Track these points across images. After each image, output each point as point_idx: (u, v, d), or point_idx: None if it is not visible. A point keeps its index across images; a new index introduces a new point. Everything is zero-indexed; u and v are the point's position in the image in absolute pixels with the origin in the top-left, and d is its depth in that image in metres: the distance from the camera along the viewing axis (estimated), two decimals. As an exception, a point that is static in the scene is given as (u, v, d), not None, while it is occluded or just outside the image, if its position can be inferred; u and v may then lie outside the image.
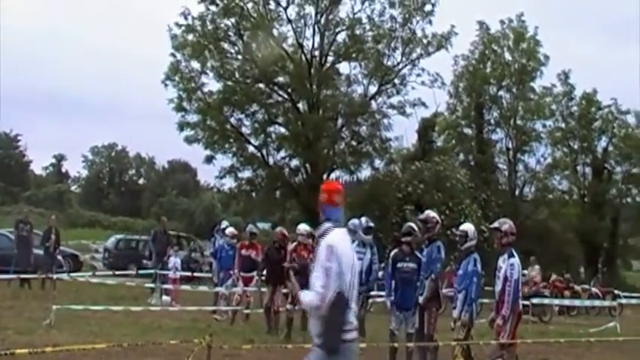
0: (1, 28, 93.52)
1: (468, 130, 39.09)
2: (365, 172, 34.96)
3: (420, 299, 9.70)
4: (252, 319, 14.85)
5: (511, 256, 8.31)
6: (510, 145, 39.01)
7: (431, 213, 10.34)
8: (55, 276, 18.42)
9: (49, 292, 17.21)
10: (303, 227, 13.40)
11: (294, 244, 13.39)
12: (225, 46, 32.50)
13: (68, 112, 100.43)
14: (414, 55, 33.00)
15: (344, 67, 33.99)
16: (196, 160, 48.62)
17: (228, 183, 35.07)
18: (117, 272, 22.11)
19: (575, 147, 40.32)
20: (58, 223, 22.70)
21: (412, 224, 10.60)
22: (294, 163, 33.98)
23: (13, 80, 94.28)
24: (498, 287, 8.33)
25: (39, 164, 74.49)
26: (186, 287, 19.14)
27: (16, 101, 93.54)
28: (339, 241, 4.75)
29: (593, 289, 27.51)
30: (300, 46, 32.64)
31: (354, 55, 32.94)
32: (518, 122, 38.94)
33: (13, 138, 68.03)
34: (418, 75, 33.13)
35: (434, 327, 9.66)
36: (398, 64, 33.06)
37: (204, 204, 63.73)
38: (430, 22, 32.69)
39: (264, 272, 14.43)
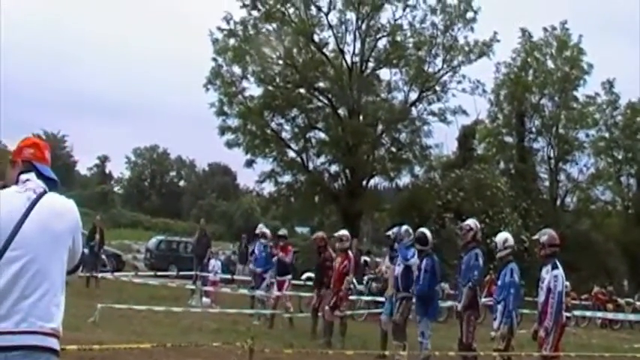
0: (47, 33, 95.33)
1: (508, 139, 38.81)
2: (404, 179, 34.94)
3: (460, 307, 9.69)
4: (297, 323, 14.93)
5: (555, 267, 8.24)
6: (552, 154, 38.63)
7: (469, 221, 10.31)
8: (99, 275, 18.84)
9: (93, 291, 17.62)
10: (344, 233, 13.48)
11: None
12: (267, 51, 32.77)
13: (113, 115, 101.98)
14: (455, 63, 32.91)
15: (384, 74, 34.11)
16: (236, 164, 49.08)
17: (268, 187, 35.36)
18: (158, 273, 22.47)
19: (620, 157, 39.73)
20: (101, 223, 23.16)
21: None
22: (334, 168, 34.12)
23: (61, 83, 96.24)
24: (541, 298, 8.28)
25: (84, 165, 75.85)
26: (226, 289, 19.35)
27: (63, 103, 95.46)
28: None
29: (638, 303, 27.01)
30: (341, 51, 32.77)
31: (394, 62, 32.94)
32: (561, 131, 38.53)
33: (60, 139, 69.45)
34: (459, 82, 33.07)
35: (472, 336, 9.62)
36: (439, 70, 32.99)
37: (243, 207, 64.21)
38: (472, 29, 32.60)
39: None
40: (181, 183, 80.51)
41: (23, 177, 3.42)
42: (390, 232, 11.72)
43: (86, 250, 20.51)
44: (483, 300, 10.83)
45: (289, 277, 15.58)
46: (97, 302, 12.65)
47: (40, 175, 3.48)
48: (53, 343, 3.18)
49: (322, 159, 34.12)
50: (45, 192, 3.39)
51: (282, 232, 16.60)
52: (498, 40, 32.87)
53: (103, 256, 22.23)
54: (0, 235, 3.18)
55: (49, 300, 3.21)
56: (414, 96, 33.34)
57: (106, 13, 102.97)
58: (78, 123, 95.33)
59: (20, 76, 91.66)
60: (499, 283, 9.26)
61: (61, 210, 3.38)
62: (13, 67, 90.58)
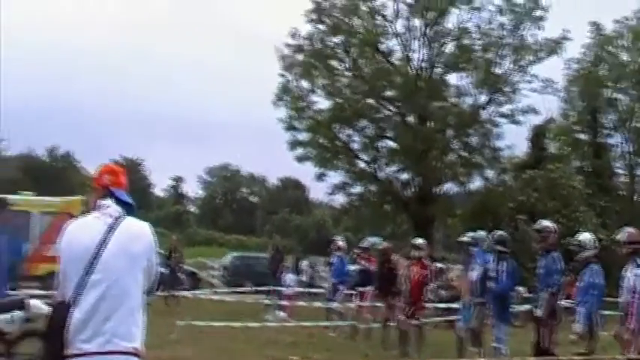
0: (125, 54, 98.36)
1: (582, 136, 37.70)
2: (476, 183, 34.46)
3: (538, 312, 9.43)
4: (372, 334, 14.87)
5: (638, 266, 7.97)
6: (629, 149, 37.31)
7: (545, 222, 10.06)
8: (179, 293, 19.23)
9: (172, 309, 17.99)
10: (421, 241, 13.41)
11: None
12: (334, 63, 32.99)
13: (184, 135, 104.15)
14: (525, 62, 32.26)
15: (452, 78, 33.77)
16: (307, 177, 49.45)
17: (340, 199, 35.46)
18: (236, 289, 22.80)
19: None
20: (178, 242, 23.71)
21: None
22: (404, 176, 33.95)
23: (134, 106, 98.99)
24: (623, 299, 8.01)
25: (159, 186, 77.70)
26: (301, 303, 19.45)
27: (136, 127, 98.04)
28: (75, 228, 3.57)
29: None
30: (408, 59, 32.65)
31: (462, 66, 32.58)
32: (637, 125, 37.21)
33: (136, 163, 71.50)
34: (529, 82, 32.37)
35: (550, 340, 9.37)
36: (507, 71, 32.41)
37: (315, 220, 64.54)
38: (540, 27, 31.91)
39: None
40: (254, 199, 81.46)
41: (102, 202, 3.63)
42: (465, 238, 11.56)
43: (165, 270, 21.03)
44: (562, 302, 10.49)
45: (371, 287, 15.53)
46: (177, 320, 12.89)
47: (118, 200, 3.68)
48: None
49: (392, 167, 34.06)
50: (122, 216, 3.60)
51: (366, 244, 16.60)
52: (569, 39, 32.10)
53: (182, 275, 22.65)
54: (83, 259, 3.41)
55: (131, 321, 3.44)
56: (483, 99, 32.93)
57: (177, 34, 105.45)
58: (152, 145, 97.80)
59: (97, 102, 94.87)
60: (580, 284, 9.00)
61: (137, 233, 3.59)
62: (89, 92, 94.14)
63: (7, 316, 6.53)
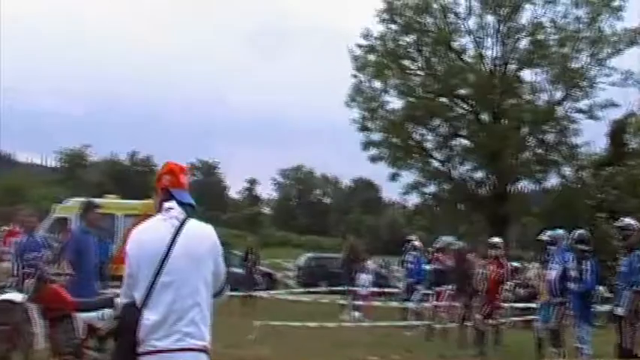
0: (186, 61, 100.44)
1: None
2: (552, 181, 33.72)
3: (620, 310, 9.23)
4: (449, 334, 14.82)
5: None
6: None
7: (628, 220, 9.85)
8: (255, 294, 19.58)
9: (250, 309, 18.33)
10: (497, 240, 13.30)
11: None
12: (406, 62, 32.90)
13: (259, 138, 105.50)
14: (603, 55, 31.32)
15: (527, 74, 33.14)
16: (379, 178, 49.45)
17: (413, 198, 35.33)
18: (310, 289, 23.00)
19: None
20: (254, 244, 24.10)
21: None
22: (479, 175, 33.56)
23: (210, 112, 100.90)
24: None
25: (235, 189, 78.85)
26: (377, 303, 19.50)
27: (213, 131, 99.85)
28: (142, 232, 3.61)
29: None
30: (481, 56, 32.28)
31: (537, 62, 31.94)
32: None
33: (212, 166, 72.93)
34: (607, 75, 31.40)
35: (633, 341, 9.16)
36: (584, 66, 31.54)
37: (388, 220, 64.34)
38: (619, 18, 30.88)
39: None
40: (327, 200, 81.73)
41: (166, 205, 3.65)
42: (544, 237, 11.40)
43: (241, 271, 21.46)
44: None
45: (448, 287, 15.47)
46: (254, 320, 13.13)
47: (179, 201, 3.68)
48: (205, 358, 3.52)
49: (466, 166, 33.73)
50: (186, 218, 3.62)
51: (441, 243, 16.55)
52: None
53: (258, 276, 23.01)
54: (152, 262, 3.48)
55: (200, 320, 3.51)
56: (558, 95, 32.16)
57: (246, 40, 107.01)
58: (228, 148, 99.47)
59: (171, 107, 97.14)
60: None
61: (201, 235, 3.62)
62: (168, 98, 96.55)
63: (98, 313, 6.90)
